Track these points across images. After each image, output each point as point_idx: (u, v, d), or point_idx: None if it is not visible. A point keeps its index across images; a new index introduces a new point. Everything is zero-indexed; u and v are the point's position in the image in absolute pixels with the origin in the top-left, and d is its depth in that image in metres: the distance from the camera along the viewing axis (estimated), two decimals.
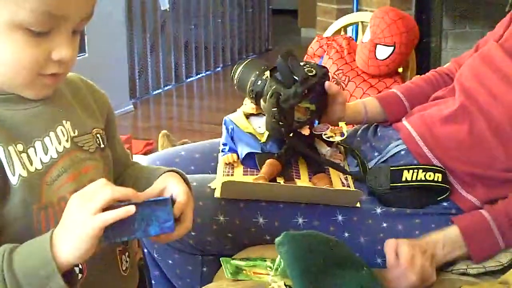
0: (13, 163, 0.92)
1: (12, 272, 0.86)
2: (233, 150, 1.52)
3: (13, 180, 0.92)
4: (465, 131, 1.43)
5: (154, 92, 4.74)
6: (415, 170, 1.41)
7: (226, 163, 1.50)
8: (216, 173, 1.51)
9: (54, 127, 0.99)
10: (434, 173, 1.40)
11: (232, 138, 1.54)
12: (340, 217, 1.42)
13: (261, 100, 1.46)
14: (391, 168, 1.43)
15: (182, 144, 2.61)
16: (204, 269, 1.48)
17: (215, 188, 1.43)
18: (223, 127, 1.57)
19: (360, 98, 2.15)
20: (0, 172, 0.91)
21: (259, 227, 1.43)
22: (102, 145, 1.07)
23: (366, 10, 3.94)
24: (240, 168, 1.49)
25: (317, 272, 1.17)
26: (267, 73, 1.46)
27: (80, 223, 0.87)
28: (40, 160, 0.95)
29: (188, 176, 1.51)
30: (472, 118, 1.43)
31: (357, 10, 3.86)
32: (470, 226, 1.36)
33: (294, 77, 1.41)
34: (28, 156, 0.94)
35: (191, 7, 5.17)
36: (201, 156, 1.65)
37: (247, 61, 1.54)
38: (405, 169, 1.42)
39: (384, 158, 1.52)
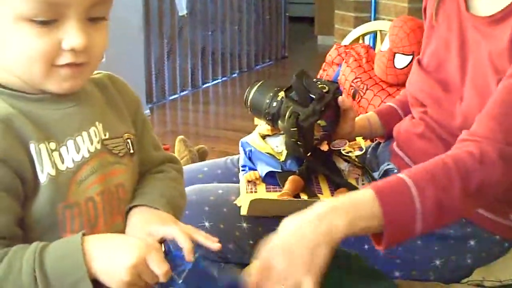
0: (42, 161, 0.92)
1: (44, 273, 0.87)
2: (252, 169, 1.52)
3: (42, 178, 0.92)
4: (440, 147, 1.41)
5: (171, 97, 4.75)
6: None
7: (248, 181, 1.49)
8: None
9: (87, 128, 0.99)
10: None
11: (250, 159, 1.55)
12: None
13: (279, 121, 1.46)
14: None
15: (199, 150, 2.63)
16: None
17: (241, 206, 1.42)
18: (240, 149, 1.58)
19: (378, 106, 2.15)
20: (31, 169, 0.92)
21: None
22: (132, 151, 1.06)
23: (384, 19, 3.93)
24: (262, 186, 1.48)
25: (335, 285, 1.16)
26: (282, 93, 1.47)
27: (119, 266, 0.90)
28: (72, 159, 0.96)
29: (213, 185, 1.54)
30: (437, 135, 1.43)
31: (375, 18, 3.86)
32: (384, 186, 1.16)
33: (310, 95, 1.42)
34: (60, 155, 0.95)
35: (209, 13, 5.19)
36: (223, 172, 1.66)
37: (258, 83, 1.54)
38: None
39: (379, 177, 1.52)
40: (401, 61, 2.23)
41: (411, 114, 1.56)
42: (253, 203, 1.38)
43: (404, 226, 1.13)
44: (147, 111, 4.31)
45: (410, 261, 1.41)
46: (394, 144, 1.55)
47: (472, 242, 1.40)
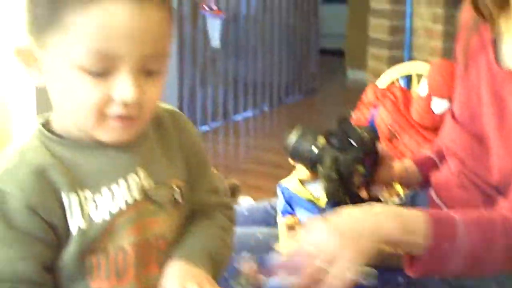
0: (72, 212, 0.92)
1: None
2: (291, 214, 1.54)
3: (73, 229, 0.92)
4: (479, 198, 1.40)
5: (202, 128, 4.78)
6: None
7: (287, 226, 1.50)
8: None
9: (125, 175, 0.96)
10: None
11: (289, 204, 1.56)
12: (400, 278, 1.40)
13: (319, 167, 1.47)
14: None
15: (230, 184, 2.64)
16: None
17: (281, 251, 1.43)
18: (279, 194, 1.59)
19: (415, 150, 2.16)
20: (64, 218, 0.92)
21: None
22: (178, 198, 1.02)
23: (417, 57, 3.94)
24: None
25: None
26: (322, 139, 1.48)
27: None
28: (108, 209, 0.94)
29: (253, 229, 1.54)
30: (476, 185, 1.43)
31: (409, 56, 3.87)
32: (436, 214, 1.21)
33: (351, 142, 1.44)
34: (95, 204, 0.93)
35: (241, 44, 5.24)
36: (262, 216, 1.66)
37: (298, 129, 1.55)
38: None
39: None
40: (438, 105, 2.24)
41: (447, 163, 1.56)
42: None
43: (441, 256, 1.16)
44: None
45: None
46: (432, 193, 1.55)
47: None
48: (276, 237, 1.48)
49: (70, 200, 0.92)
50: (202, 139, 4.59)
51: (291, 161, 1.62)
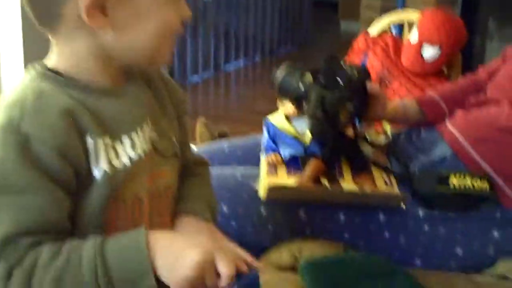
0: (99, 156, 0.89)
1: (106, 270, 0.83)
2: (275, 151, 1.52)
3: (97, 174, 0.89)
4: None
5: (192, 78, 4.75)
6: (462, 176, 1.40)
7: (269, 163, 1.49)
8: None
9: (141, 124, 0.96)
10: (481, 180, 1.39)
11: (273, 140, 1.54)
12: (381, 216, 1.42)
13: (305, 104, 1.46)
14: (438, 173, 1.43)
15: (221, 133, 2.63)
16: None
17: (259, 190, 1.42)
18: (264, 128, 1.57)
19: (405, 96, 2.15)
20: (86, 163, 0.88)
21: (300, 221, 1.43)
22: (177, 152, 1.04)
23: (410, 8, 3.90)
24: (283, 169, 1.48)
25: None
26: (309, 76, 1.46)
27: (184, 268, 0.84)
28: (129, 156, 0.93)
29: (233, 170, 1.53)
30: None
31: (402, 6, 3.82)
32: None
33: (338, 80, 1.41)
34: (116, 151, 0.92)
35: None
36: (243, 154, 1.66)
37: (286, 65, 1.53)
38: (453, 173, 1.41)
39: (430, 161, 1.51)
40: (429, 52, 2.22)
41: (479, 101, 1.57)
42: (271, 189, 1.38)
43: None
44: None
45: (431, 249, 1.41)
46: (451, 126, 1.53)
47: (495, 233, 1.41)
48: (255, 178, 1.47)
49: (96, 144, 0.89)
50: (193, 90, 4.59)
51: (278, 96, 1.60)
